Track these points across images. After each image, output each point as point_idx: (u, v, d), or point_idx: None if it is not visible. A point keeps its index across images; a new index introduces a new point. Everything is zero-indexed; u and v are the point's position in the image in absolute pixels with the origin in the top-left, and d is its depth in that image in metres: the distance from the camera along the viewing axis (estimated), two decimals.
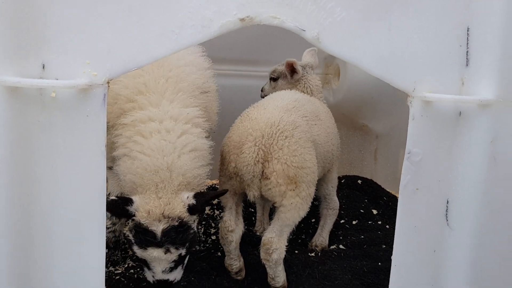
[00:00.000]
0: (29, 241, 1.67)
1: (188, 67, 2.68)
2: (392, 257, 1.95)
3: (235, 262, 2.90)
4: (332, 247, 3.36)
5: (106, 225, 2.57)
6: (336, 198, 3.40)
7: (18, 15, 1.55)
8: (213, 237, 3.44)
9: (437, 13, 1.82)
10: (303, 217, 2.76)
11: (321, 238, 3.37)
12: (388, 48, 1.83)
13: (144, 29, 1.66)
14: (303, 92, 3.35)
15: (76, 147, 1.65)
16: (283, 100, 2.87)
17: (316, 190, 2.90)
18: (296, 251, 3.28)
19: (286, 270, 3.02)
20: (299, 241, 3.48)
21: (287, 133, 2.60)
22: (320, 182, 3.23)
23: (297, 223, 2.76)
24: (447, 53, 1.86)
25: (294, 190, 2.61)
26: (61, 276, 1.72)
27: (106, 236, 2.45)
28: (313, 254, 3.23)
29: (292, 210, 2.65)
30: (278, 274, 2.80)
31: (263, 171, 2.60)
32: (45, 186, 1.65)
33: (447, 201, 1.94)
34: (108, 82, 1.66)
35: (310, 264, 3.08)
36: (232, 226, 2.80)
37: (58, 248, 1.69)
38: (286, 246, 2.75)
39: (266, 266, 2.78)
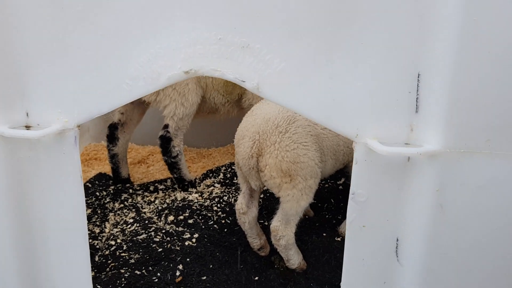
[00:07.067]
0: (33, 247, 2.15)
1: None
2: (342, 284, 2.07)
3: (254, 240, 3.22)
4: None
5: None
6: None
7: (4, 71, 1.93)
8: None
9: (385, 61, 1.74)
10: (306, 206, 2.91)
11: None
12: (329, 95, 1.84)
13: (103, 81, 1.93)
14: None
15: (57, 177, 2.05)
16: None
17: None
18: (324, 234, 3.44)
19: (308, 253, 3.24)
20: (334, 221, 3.62)
21: (281, 129, 2.76)
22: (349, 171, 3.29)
23: (301, 212, 2.93)
24: (395, 100, 1.80)
25: (289, 182, 2.78)
26: (58, 274, 2.19)
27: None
28: (339, 239, 3.37)
29: (291, 201, 2.84)
30: (291, 257, 3.05)
31: (258, 164, 2.83)
32: (38, 208, 2.09)
33: (397, 239, 1.95)
34: (78, 126, 1.99)
35: (332, 249, 3.24)
36: (243, 209, 3.09)
37: (54, 251, 2.15)
38: (294, 232, 2.98)
39: (277, 250, 3.04)
